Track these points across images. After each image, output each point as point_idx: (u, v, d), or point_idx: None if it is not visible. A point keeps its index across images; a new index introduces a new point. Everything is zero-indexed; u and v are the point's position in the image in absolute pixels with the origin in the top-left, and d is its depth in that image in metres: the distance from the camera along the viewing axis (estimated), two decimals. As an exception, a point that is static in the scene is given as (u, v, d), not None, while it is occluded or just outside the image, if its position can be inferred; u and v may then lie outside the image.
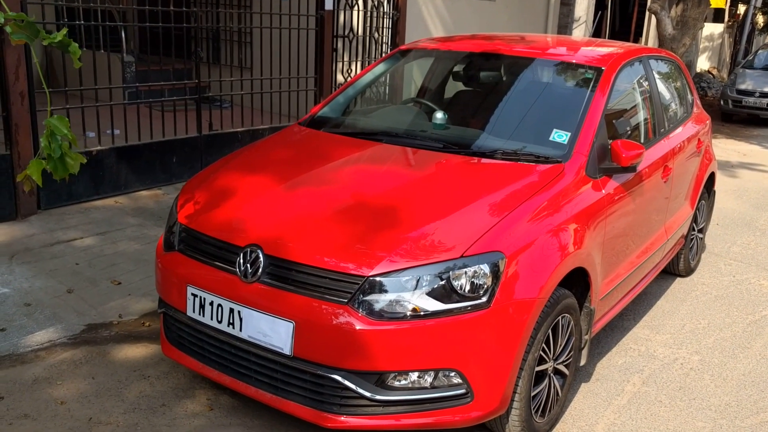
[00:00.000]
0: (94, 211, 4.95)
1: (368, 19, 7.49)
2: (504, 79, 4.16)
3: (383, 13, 7.66)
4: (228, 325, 2.74)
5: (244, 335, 2.70)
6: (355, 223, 2.81)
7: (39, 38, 2.29)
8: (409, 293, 2.56)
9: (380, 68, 4.40)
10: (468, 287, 2.59)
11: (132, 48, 9.22)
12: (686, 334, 4.14)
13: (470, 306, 2.58)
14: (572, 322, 3.12)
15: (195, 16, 5.87)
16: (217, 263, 2.82)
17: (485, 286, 2.61)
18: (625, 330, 4.14)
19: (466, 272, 2.60)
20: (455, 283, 2.58)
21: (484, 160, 3.27)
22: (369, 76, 4.35)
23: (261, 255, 2.71)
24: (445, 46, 4.36)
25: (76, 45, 2.39)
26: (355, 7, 7.19)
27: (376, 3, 7.52)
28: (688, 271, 5.07)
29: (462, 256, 2.61)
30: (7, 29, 2.22)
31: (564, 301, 2.96)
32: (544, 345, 2.90)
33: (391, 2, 7.77)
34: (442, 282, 2.58)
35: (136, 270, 4.24)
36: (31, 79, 4.59)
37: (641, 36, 16.31)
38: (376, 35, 7.61)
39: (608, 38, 14.97)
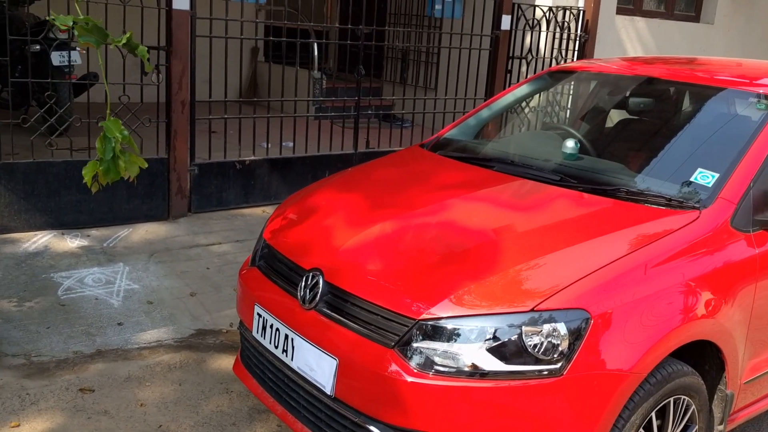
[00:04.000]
0: (239, 219, 5.12)
1: (552, 40, 7.05)
2: (659, 107, 3.60)
3: (569, 35, 7.16)
4: (282, 352, 2.59)
5: (294, 365, 2.53)
6: (426, 256, 2.51)
7: (107, 41, 2.34)
8: (466, 346, 2.21)
9: (524, 90, 4.03)
10: (537, 349, 2.18)
11: (329, 65, 9.64)
12: None
13: (537, 371, 2.17)
14: (694, 406, 2.53)
15: (361, 34, 5.88)
16: (284, 285, 2.69)
17: (559, 350, 2.18)
18: (792, 423, 3.33)
19: (538, 330, 2.19)
20: (521, 342, 2.19)
21: (600, 199, 2.79)
22: (509, 98, 4.00)
23: (321, 281, 2.52)
24: (598, 68, 3.87)
25: (144, 48, 2.40)
26: (536, 28, 6.79)
27: (561, 24, 7.05)
28: None
29: (533, 310, 2.21)
30: (75, 32, 2.28)
31: (679, 379, 2.41)
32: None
33: (579, 24, 7.25)
34: (507, 338, 2.20)
35: (259, 281, 4.28)
36: (193, 89, 4.87)
37: None
38: (559, 58, 7.13)
39: None
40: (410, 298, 2.31)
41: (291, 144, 5.66)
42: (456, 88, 6.60)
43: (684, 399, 2.49)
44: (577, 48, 7.30)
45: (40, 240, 4.38)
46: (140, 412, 3.05)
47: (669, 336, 2.33)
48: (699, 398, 2.55)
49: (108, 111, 2.36)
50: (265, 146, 5.53)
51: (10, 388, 3.12)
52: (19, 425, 2.90)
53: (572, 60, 7.23)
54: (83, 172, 2.29)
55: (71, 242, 4.42)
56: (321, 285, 2.51)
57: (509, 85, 6.82)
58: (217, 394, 3.23)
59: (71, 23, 2.25)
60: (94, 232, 4.59)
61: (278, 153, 5.52)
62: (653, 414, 2.38)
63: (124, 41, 2.30)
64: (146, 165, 2.38)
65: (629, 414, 2.28)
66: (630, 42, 8.25)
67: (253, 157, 5.32)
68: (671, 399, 2.43)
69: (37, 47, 5.27)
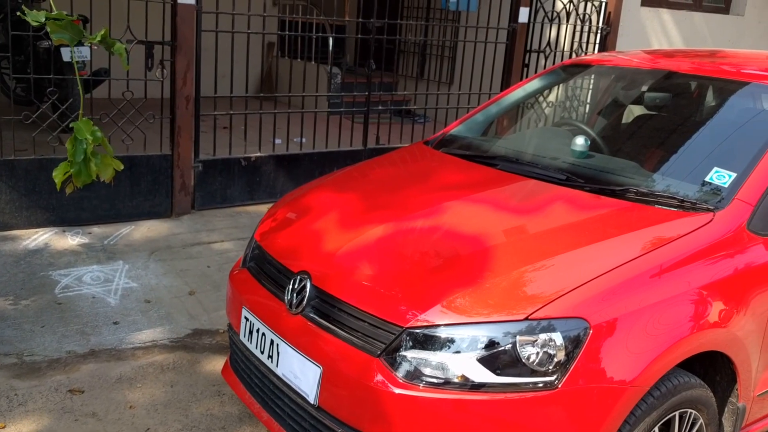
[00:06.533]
0: (244, 216, 5.03)
1: (572, 33, 6.85)
2: (679, 102, 3.43)
3: (590, 27, 6.96)
4: (268, 358, 2.48)
5: (279, 372, 2.42)
6: (418, 261, 2.38)
7: (82, 38, 2.24)
8: (457, 356, 2.08)
9: (535, 84, 3.88)
10: (531, 360, 2.05)
11: (345, 60, 9.51)
12: None
13: (531, 383, 2.04)
14: (701, 420, 2.38)
15: (373, 28, 5.74)
16: (272, 288, 2.58)
17: (555, 361, 2.04)
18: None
19: (533, 340, 2.06)
20: (515, 352, 2.05)
21: (608, 200, 2.63)
22: (519, 93, 3.84)
23: (308, 285, 2.41)
24: (616, 62, 3.70)
25: (122, 46, 2.31)
26: (555, 21, 6.60)
27: (582, 16, 6.85)
28: None
29: (528, 319, 2.07)
30: (48, 28, 2.19)
31: (686, 391, 2.26)
32: (646, 446, 2.22)
33: (601, 16, 7.04)
34: (500, 348, 2.06)
35: (260, 280, 4.18)
36: (198, 85, 4.79)
37: None
38: (579, 51, 6.93)
39: None
40: (399, 304, 2.19)
41: (302, 140, 5.57)
42: (470, 82, 6.46)
43: (691, 413, 2.34)
44: (598, 41, 7.10)
45: (40, 237, 4.32)
46: (129, 415, 2.97)
47: (676, 346, 2.18)
48: (708, 411, 2.39)
49: (81, 111, 2.27)
50: (275, 142, 5.45)
51: (-1, 389, 3.06)
52: (5, 426, 2.84)
53: (593, 54, 7.03)
54: (53, 175, 2.21)
55: (72, 240, 4.36)
56: (308, 289, 2.39)
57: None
58: (209, 397, 3.14)
59: (43, 19, 2.16)
60: (95, 229, 4.53)
61: (285, 149, 5.42)
62: (656, 429, 2.24)
63: (98, 39, 2.21)
64: (122, 167, 2.29)
65: (630, 429, 2.14)
66: (655, 35, 8.01)
67: (258, 154, 5.22)
68: (677, 413, 2.28)
69: (47, 43, 5.22)
